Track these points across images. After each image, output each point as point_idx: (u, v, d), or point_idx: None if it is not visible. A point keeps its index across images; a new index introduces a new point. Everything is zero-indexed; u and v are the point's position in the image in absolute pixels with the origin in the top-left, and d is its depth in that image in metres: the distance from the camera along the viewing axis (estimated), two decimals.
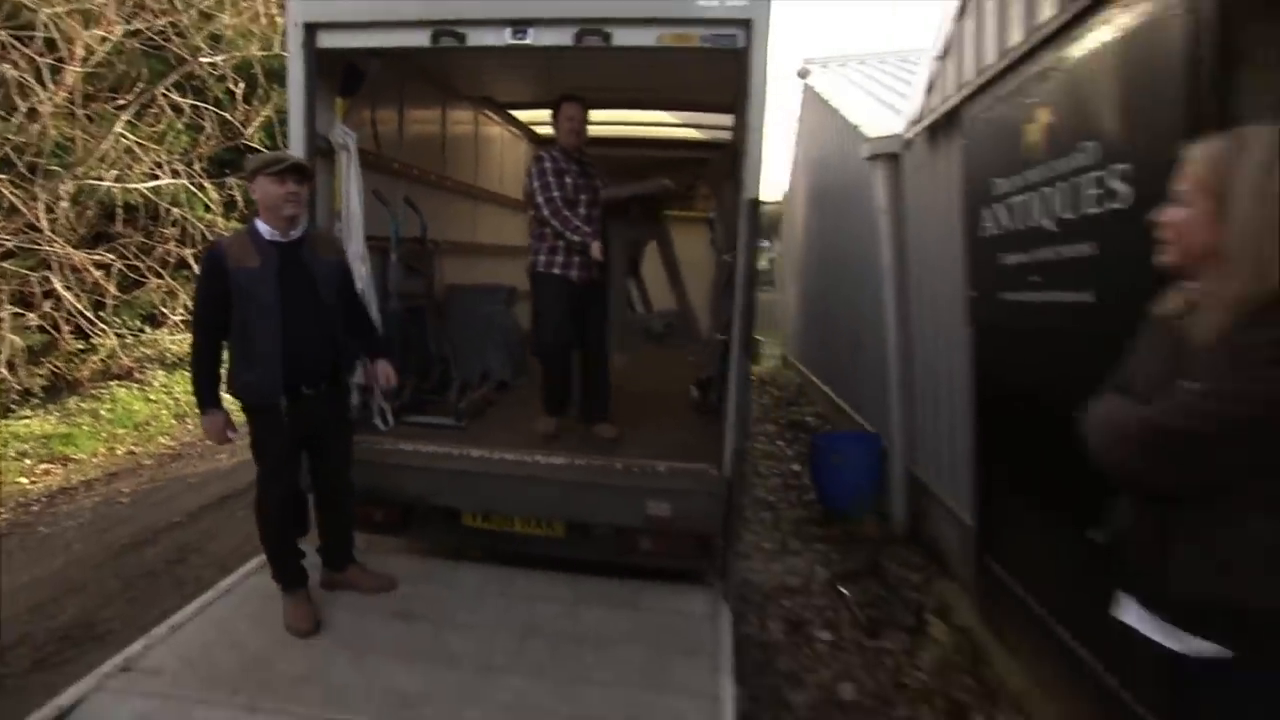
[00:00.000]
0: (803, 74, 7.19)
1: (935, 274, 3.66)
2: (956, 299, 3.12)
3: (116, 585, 3.57)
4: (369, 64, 3.16)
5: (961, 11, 2.98)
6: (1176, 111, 1.61)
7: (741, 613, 3.27)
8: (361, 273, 3.26)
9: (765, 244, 20.95)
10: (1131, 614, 1.29)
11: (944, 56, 3.25)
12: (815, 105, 7.03)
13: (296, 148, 2.94)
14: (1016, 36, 2.49)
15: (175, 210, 6.73)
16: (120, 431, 6.20)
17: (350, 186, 3.18)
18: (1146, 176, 1.71)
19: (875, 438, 4.63)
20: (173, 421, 6.67)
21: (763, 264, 18.17)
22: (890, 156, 4.12)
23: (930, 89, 3.49)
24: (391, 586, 2.77)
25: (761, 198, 2.84)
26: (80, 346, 6.79)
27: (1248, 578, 1.11)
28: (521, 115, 5.61)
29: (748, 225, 2.78)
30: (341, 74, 3.17)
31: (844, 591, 3.47)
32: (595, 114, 5.36)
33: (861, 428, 5.32)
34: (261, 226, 2.45)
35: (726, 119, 4.49)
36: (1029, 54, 2.35)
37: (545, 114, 5.52)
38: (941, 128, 3.39)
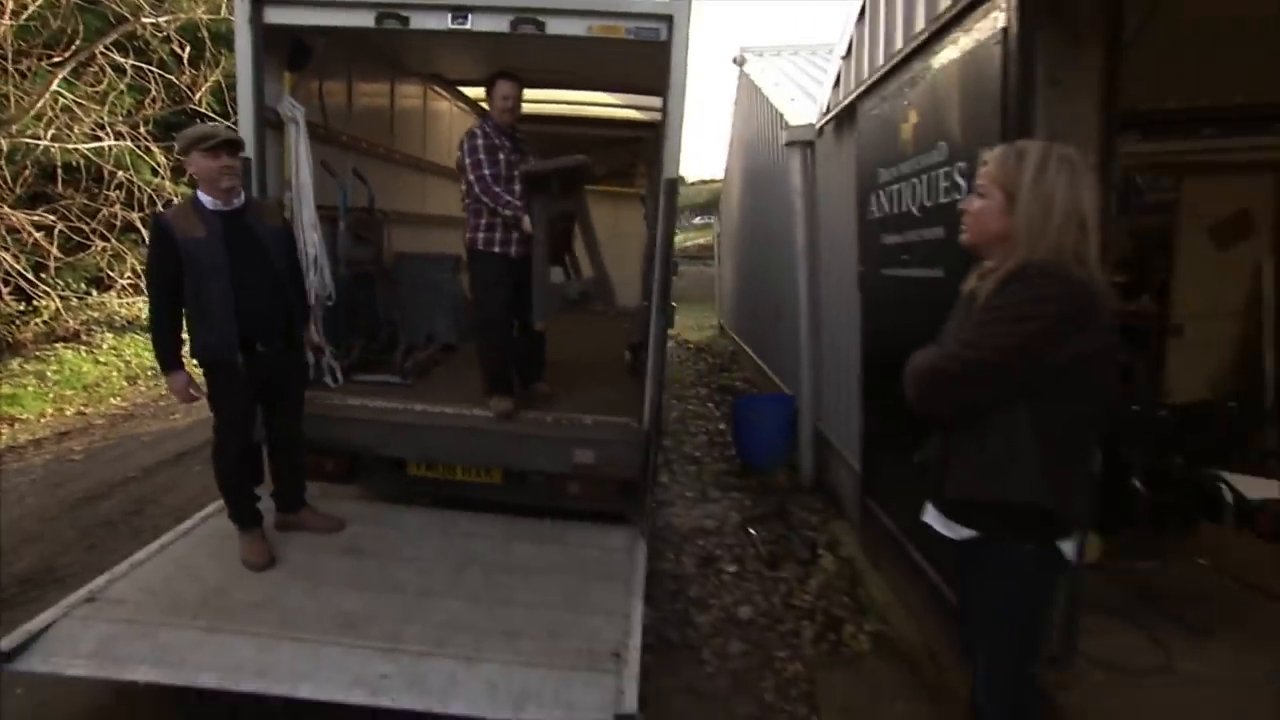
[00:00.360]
0: (739, 61, 7.35)
1: (840, 252, 3.94)
2: (854, 274, 3.41)
3: (73, 535, 3.60)
4: (316, 40, 3.19)
5: (860, 15, 3.21)
6: (994, 122, 1.88)
7: (660, 550, 3.57)
8: (313, 240, 3.33)
9: (707, 220, 21.23)
10: (930, 516, 1.61)
11: (847, 56, 3.48)
12: (749, 91, 7.21)
13: (246, 120, 2.97)
14: (899, 43, 2.73)
15: (120, 173, 6.47)
16: (69, 393, 6.04)
17: (299, 158, 3.22)
18: (976, 174, 1.98)
19: (789, 399, 4.96)
20: (124, 383, 6.52)
21: (706, 240, 18.44)
22: (805, 144, 4.37)
23: (836, 84, 3.73)
24: (340, 527, 2.93)
25: (679, 177, 3.05)
26: (21, 308, 6.53)
27: (985, 482, 1.43)
28: (470, 91, 5.61)
29: (666, 203, 2.98)
30: (289, 49, 3.19)
31: (751, 532, 3.81)
32: (538, 93, 5.46)
33: (781, 390, 5.66)
34: (204, 198, 2.52)
35: (658, 101, 4.64)
36: (905, 60, 2.60)
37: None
38: (844, 120, 3.65)
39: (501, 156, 3.31)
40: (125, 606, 2.30)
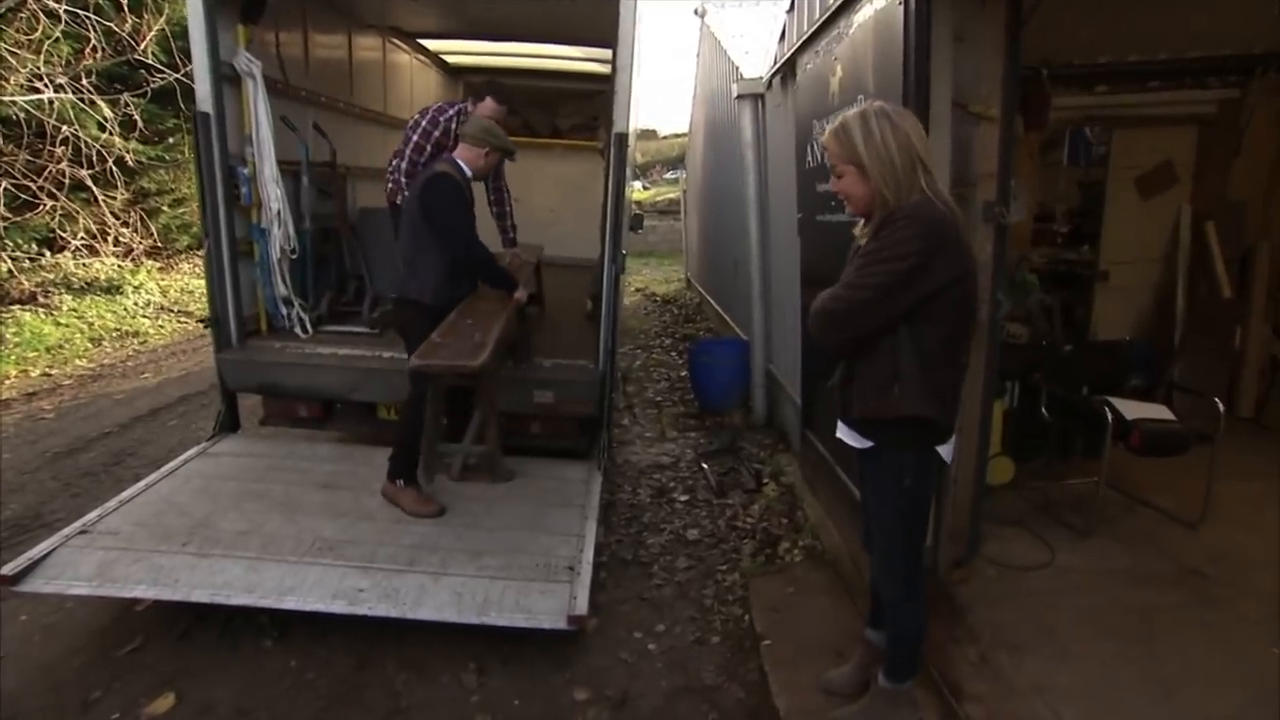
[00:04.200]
0: (700, 13, 7.34)
1: (784, 201, 4.15)
2: (795, 221, 3.63)
3: (56, 485, 3.74)
4: None
5: None
6: (898, 78, 2.09)
7: (618, 483, 3.86)
8: (276, 194, 3.44)
9: (678, 174, 21.15)
10: (841, 431, 1.88)
11: (791, 10, 3.62)
12: (710, 43, 7.23)
13: (201, 75, 3.03)
14: None
15: (65, 128, 6.31)
16: (31, 355, 6.03)
17: (259, 113, 3.30)
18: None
19: (743, 343, 5.22)
20: (88, 345, 6.51)
21: (675, 194, 18.43)
22: (755, 96, 4.51)
23: (782, 38, 3.87)
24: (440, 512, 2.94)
25: (629, 131, 3.21)
26: None
27: (878, 399, 1.70)
28: (430, 44, 5.59)
29: (615, 156, 3.15)
30: (241, 0, 3.22)
31: (704, 466, 4.11)
32: (497, 46, 5.48)
33: (736, 335, 5.92)
34: (467, 170, 2.88)
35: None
36: (834, 16, 2.76)
37: (454, 44, 5.61)
38: (787, 74, 3.80)
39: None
40: (119, 536, 2.50)
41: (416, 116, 3.56)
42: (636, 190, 21.04)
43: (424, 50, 5.61)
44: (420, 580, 2.39)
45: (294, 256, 3.61)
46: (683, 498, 3.76)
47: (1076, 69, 4.01)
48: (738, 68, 5.28)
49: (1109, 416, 2.83)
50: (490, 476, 2.94)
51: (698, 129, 9.38)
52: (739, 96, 4.58)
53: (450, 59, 6.16)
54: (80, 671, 2.36)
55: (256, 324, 3.64)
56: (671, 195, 19.37)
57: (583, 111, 6.74)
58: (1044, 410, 3.20)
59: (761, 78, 4.42)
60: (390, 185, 3.58)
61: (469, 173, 2.89)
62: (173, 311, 7.68)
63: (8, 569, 2.31)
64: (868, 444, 1.79)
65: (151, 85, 6.68)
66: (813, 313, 1.74)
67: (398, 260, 2.89)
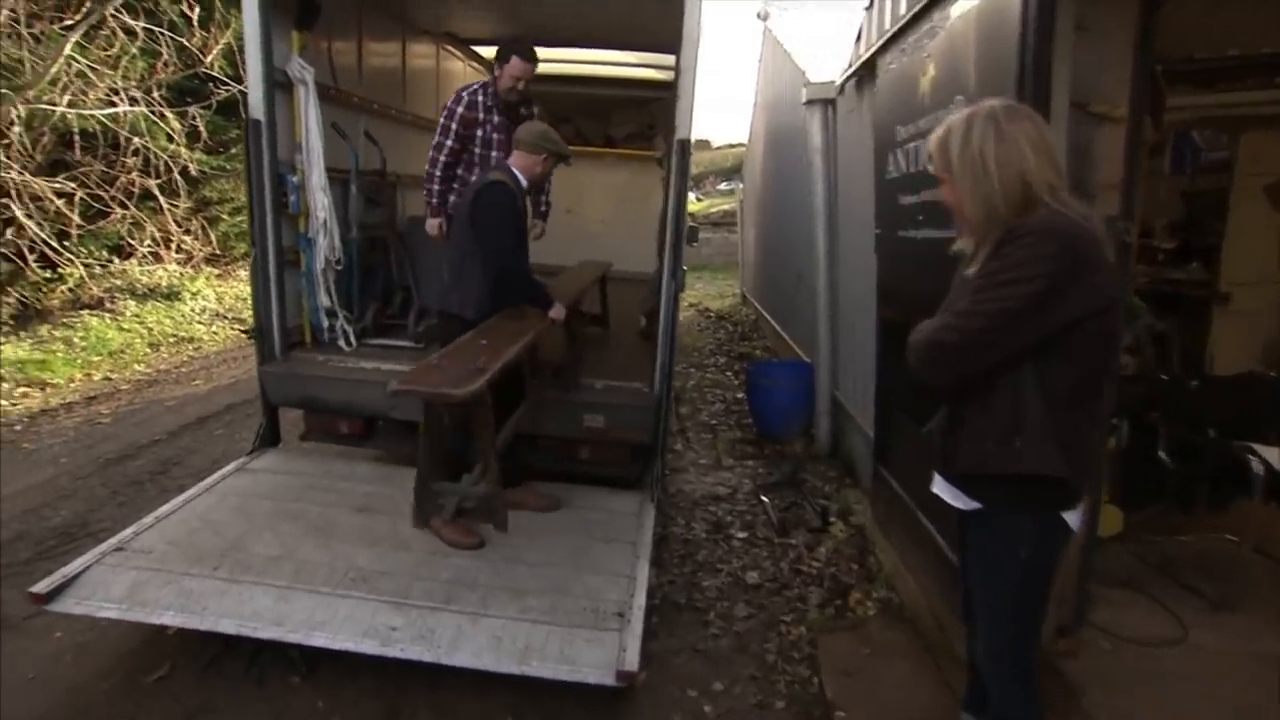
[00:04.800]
0: (763, 16, 7.17)
1: (858, 214, 3.90)
2: (871, 237, 3.38)
3: (105, 492, 3.80)
4: None
5: None
6: (1011, 73, 1.84)
7: (671, 516, 3.65)
8: (323, 203, 3.41)
9: (733, 185, 20.96)
10: (939, 486, 1.63)
11: (870, 7, 3.39)
12: (773, 48, 7.05)
13: (254, 82, 3.03)
14: None
15: (136, 139, 6.60)
16: (95, 359, 6.29)
17: (309, 120, 3.28)
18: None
19: (805, 365, 4.96)
20: (147, 350, 6.76)
21: (731, 206, 18.23)
22: (826, 102, 4.29)
23: (859, 38, 3.64)
24: (556, 506, 2.96)
25: (692, 138, 3.04)
26: (47, 275, 6.78)
27: (992, 454, 1.45)
28: (485, 51, 5.59)
29: (678, 165, 2.99)
30: (297, 6, 3.22)
31: (764, 499, 3.86)
32: (553, 52, 5.42)
33: (798, 356, 5.65)
34: (521, 179, 2.80)
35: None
36: (925, 9, 2.53)
37: None
38: (865, 76, 3.57)
39: (480, 133, 3.27)
40: (151, 556, 2.45)
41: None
42: (690, 202, 20.97)
43: (477, 57, 5.62)
44: (457, 621, 2.25)
45: (339, 267, 3.58)
46: (741, 534, 3.52)
47: (1195, 64, 3.62)
48: (804, 72, 5.07)
49: (1258, 468, 2.46)
50: (492, 523, 2.64)
51: (757, 138, 9.18)
52: (808, 102, 4.37)
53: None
54: (108, 697, 2.31)
55: (301, 336, 3.62)
56: (726, 207, 19.21)
57: (637, 120, 6.65)
58: (1162, 454, 2.84)
59: (833, 82, 4.20)
60: (425, 192, 3.49)
61: (524, 182, 2.79)
62: (226, 318, 7.93)
63: (40, 586, 2.28)
64: (975, 505, 1.53)
65: (216, 97, 6.95)
66: (914, 345, 1.50)
67: (443, 270, 2.80)
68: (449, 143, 3.29)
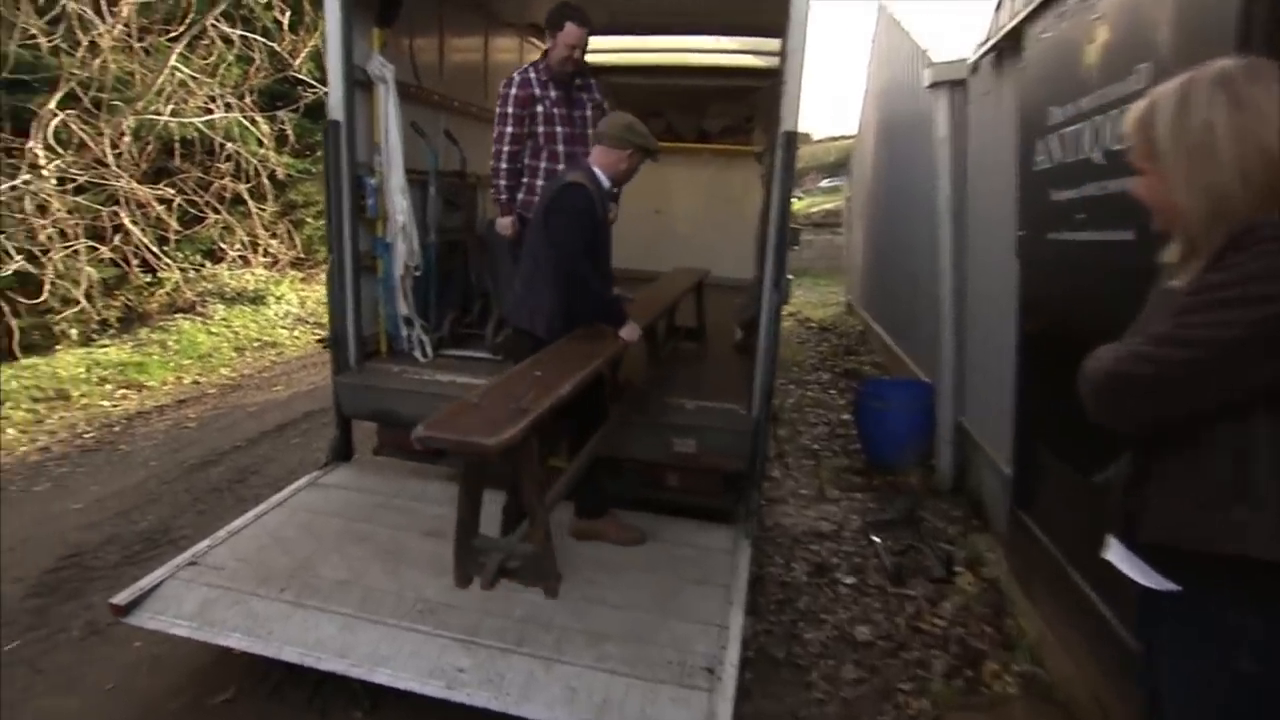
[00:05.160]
0: None
1: (993, 212, 3.59)
2: (1011, 239, 3.09)
3: (187, 499, 4.07)
4: None
5: None
6: (1229, 23, 1.56)
7: (768, 554, 3.47)
8: (401, 206, 3.50)
9: (837, 182, 20.33)
10: (1116, 554, 1.37)
11: None
12: (889, 28, 6.73)
13: (334, 82, 3.14)
14: None
15: (229, 145, 7.16)
16: (186, 362, 6.82)
17: (389, 119, 3.38)
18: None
19: (924, 386, 4.64)
20: (233, 354, 7.27)
21: (835, 205, 17.68)
22: (954, 84, 4.01)
23: (999, 6, 3.35)
24: (641, 540, 2.89)
25: (799, 131, 2.88)
26: (147, 280, 7.45)
27: (1202, 524, 1.17)
28: None
29: (782, 161, 2.84)
30: (378, 3, 3.32)
31: (875, 539, 3.60)
32: (642, 41, 5.41)
33: (916, 376, 5.31)
34: (604, 179, 2.70)
35: (778, 44, 4.44)
36: None
37: (594, 41, 5.66)
38: (1006, 51, 3.28)
39: (541, 110, 3.20)
40: (222, 573, 2.55)
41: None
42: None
43: None
44: (529, 666, 2.18)
45: (418, 273, 3.65)
46: (848, 580, 3.29)
47: None
48: (926, 52, 4.78)
49: None
50: (539, 586, 2.39)
51: (868, 128, 8.82)
52: (933, 85, 4.10)
53: (589, 58, 6.21)
54: (176, 716, 2.41)
55: (376, 345, 3.72)
56: (828, 206, 18.67)
57: (734, 112, 6.51)
58: None
59: (964, 60, 3.91)
60: (492, 189, 3.48)
61: (607, 183, 2.69)
62: (308, 323, 8.42)
63: (120, 598, 2.42)
64: (1171, 586, 1.25)
65: (304, 100, 7.43)
66: (1091, 377, 1.26)
67: (516, 281, 2.76)
68: (509, 130, 3.25)
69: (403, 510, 3.09)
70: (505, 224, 3.36)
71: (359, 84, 3.24)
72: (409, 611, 2.41)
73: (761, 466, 3.15)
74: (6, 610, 2.96)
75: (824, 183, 25.75)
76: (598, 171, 2.67)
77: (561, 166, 3.23)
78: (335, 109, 3.15)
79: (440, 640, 2.28)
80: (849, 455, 4.82)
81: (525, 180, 3.34)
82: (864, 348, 8.03)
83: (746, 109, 6.31)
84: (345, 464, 3.54)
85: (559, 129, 3.27)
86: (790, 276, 2.94)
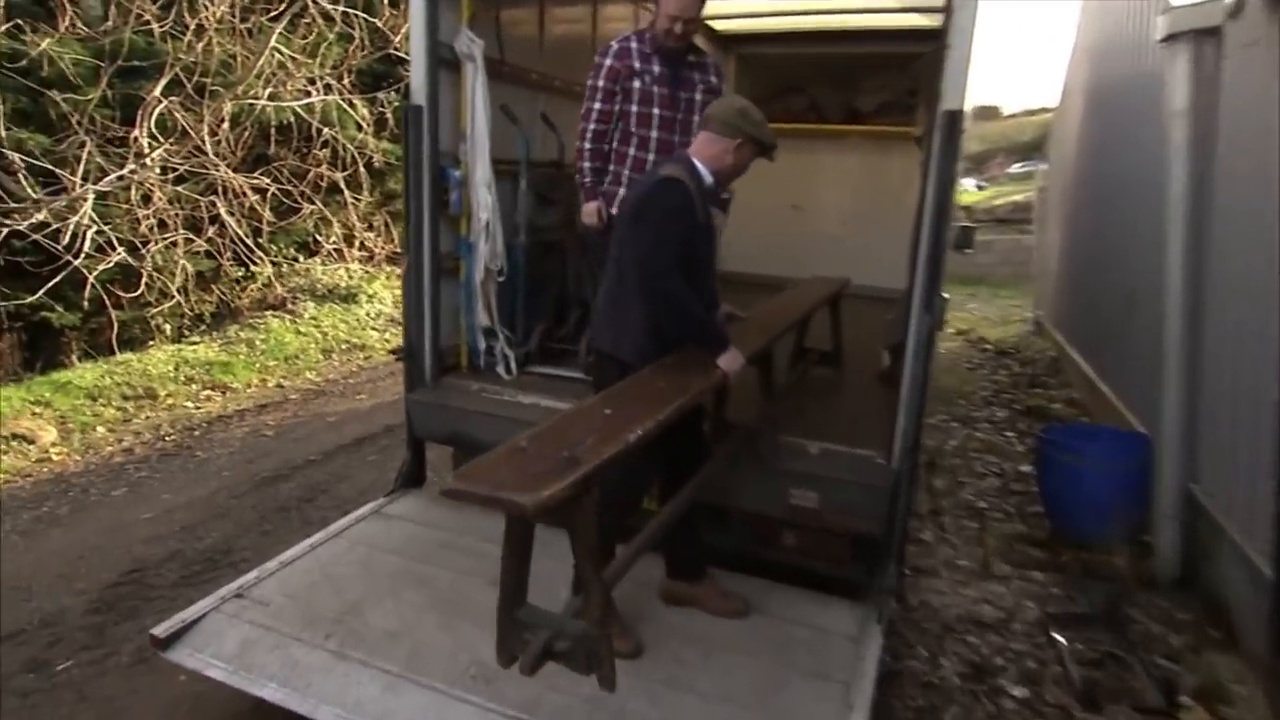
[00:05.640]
0: None
1: (1251, 207, 3.14)
2: (1276, 244, 2.67)
3: (253, 517, 4.37)
4: None
5: None
6: None
7: (907, 642, 3.22)
8: (486, 201, 3.56)
9: (1030, 167, 18.99)
10: None
11: None
12: None
13: (417, 61, 3.25)
14: None
15: (326, 130, 7.74)
16: (272, 364, 7.43)
17: (476, 102, 3.45)
18: None
19: (1137, 438, 4.15)
20: (319, 357, 7.84)
21: (1024, 196, 16.53)
22: (1202, 34, 3.56)
23: None
24: (744, 613, 2.79)
25: (967, 108, 2.64)
26: (240, 274, 8.19)
27: None
28: None
29: (941, 148, 2.61)
30: None
31: (1059, 639, 3.23)
32: (785, 3, 5.25)
33: (1127, 423, 4.77)
34: (706, 174, 2.54)
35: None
36: None
37: (726, 4, 5.60)
38: None
39: (638, 85, 3.12)
40: (268, 610, 2.68)
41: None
42: (966, 192, 19.46)
43: None
44: None
45: (501, 278, 3.70)
46: (1016, 691, 2.95)
47: None
48: None
49: None
50: (594, 673, 2.07)
51: (1073, 98, 8.14)
52: (1168, 37, 3.66)
53: (719, 25, 6.13)
54: None
55: (456, 358, 3.80)
56: (1018, 197, 17.51)
57: (893, 85, 6.19)
58: None
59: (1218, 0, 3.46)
60: (576, 173, 3.43)
61: (709, 178, 2.55)
62: (399, 324, 8.93)
63: (161, 629, 2.59)
64: None
65: (406, 81, 7.91)
66: None
67: (600, 294, 2.69)
68: (597, 106, 3.20)
69: (470, 552, 3.11)
70: (590, 210, 3.30)
71: (444, 63, 3.33)
72: (461, 676, 2.40)
73: (903, 530, 2.90)
74: (67, 625, 3.29)
75: (1015, 168, 24.19)
76: (699, 165, 2.53)
77: (653, 156, 3.15)
78: (417, 92, 3.25)
79: (491, 715, 2.26)
80: (1026, 520, 4.40)
81: (613, 168, 3.28)
82: (1055, 380, 7.41)
83: (909, 80, 5.98)
84: (415, 491, 3.64)
85: (656, 111, 3.16)
86: (945, 295, 2.68)
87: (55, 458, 5.27)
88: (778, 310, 3.63)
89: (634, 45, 3.18)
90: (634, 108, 3.19)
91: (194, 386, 6.74)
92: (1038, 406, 6.50)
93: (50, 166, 6.61)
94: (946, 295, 2.70)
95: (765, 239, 6.40)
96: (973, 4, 2.64)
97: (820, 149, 6.36)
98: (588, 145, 3.28)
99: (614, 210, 3.23)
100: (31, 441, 5.39)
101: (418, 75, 3.25)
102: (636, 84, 3.15)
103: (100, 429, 5.79)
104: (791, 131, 6.38)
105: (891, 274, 4.73)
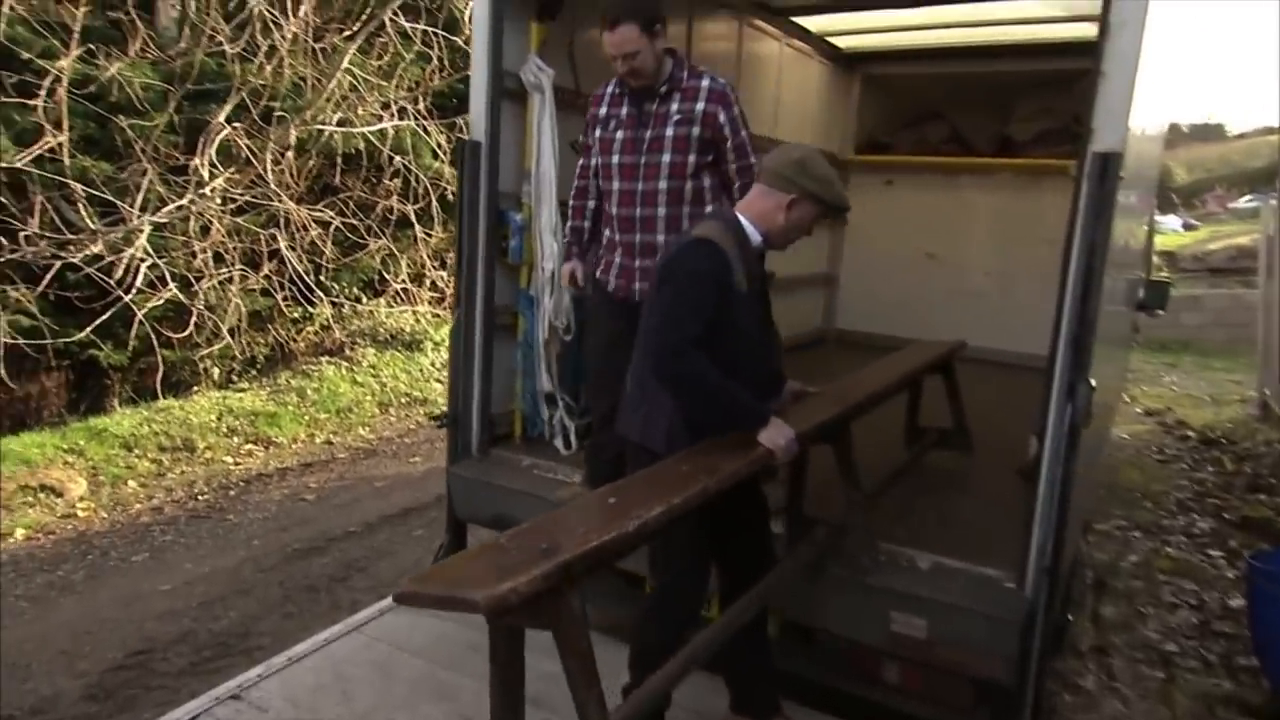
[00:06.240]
0: None
1: None
2: None
3: (278, 595, 4.59)
4: None
5: None
6: None
7: None
8: (552, 249, 3.67)
9: (1257, 201, 17.84)
10: None
11: None
12: None
13: (478, 92, 3.43)
14: None
15: (398, 158, 8.21)
16: (323, 416, 7.84)
17: (543, 138, 3.59)
18: None
19: None
20: (375, 410, 8.23)
21: (1249, 238, 15.50)
22: None
23: None
24: None
25: (1123, 148, 2.55)
26: (297, 314, 8.72)
27: None
28: (810, 23, 5.67)
29: (1090, 198, 2.53)
30: None
31: None
32: (918, 14, 5.24)
33: None
34: (753, 233, 2.51)
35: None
36: None
37: (848, 18, 5.64)
38: None
39: (599, 135, 3.19)
40: (265, 717, 2.76)
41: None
42: (1168, 234, 18.49)
43: (801, 32, 5.70)
44: None
45: (567, 337, 3.78)
46: None
47: None
48: None
49: None
50: None
51: None
52: None
53: (841, 42, 6.17)
54: None
55: (509, 426, 3.89)
56: (1241, 240, 16.46)
57: (1055, 110, 6.02)
58: None
59: None
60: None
61: (757, 238, 2.50)
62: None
63: None
64: None
65: None
66: None
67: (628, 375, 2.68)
68: (580, 160, 3.38)
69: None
70: (564, 272, 3.45)
71: (508, 94, 3.49)
72: None
73: (1040, 677, 2.71)
74: (58, 714, 3.51)
75: (1242, 201, 22.83)
76: (745, 222, 2.49)
77: (621, 211, 3.16)
78: (476, 126, 3.42)
79: None
80: (1234, 675, 4.06)
81: (605, 228, 3.33)
82: None
83: (1076, 104, 5.81)
84: None
85: (615, 159, 3.15)
86: (1092, 382, 2.54)
87: (81, 513, 5.71)
88: (863, 381, 3.54)
89: (607, 90, 3.23)
90: (595, 160, 3.25)
91: (236, 439, 7.18)
92: (1259, 519, 6.02)
93: (110, 196, 7.30)
94: (1093, 383, 2.56)
95: (892, 293, 6.31)
96: (1138, 23, 2.55)
97: (962, 186, 6.26)
98: (571, 202, 3.42)
99: (604, 275, 3.29)
100: (60, 494, 5.87)
101: (477, 108, 3.42)
102: (598, 133, 3.20)
103: (132, 483, 6.23)
104: (927, 166, 6.32)
105: (1043, 337, 4.56)
